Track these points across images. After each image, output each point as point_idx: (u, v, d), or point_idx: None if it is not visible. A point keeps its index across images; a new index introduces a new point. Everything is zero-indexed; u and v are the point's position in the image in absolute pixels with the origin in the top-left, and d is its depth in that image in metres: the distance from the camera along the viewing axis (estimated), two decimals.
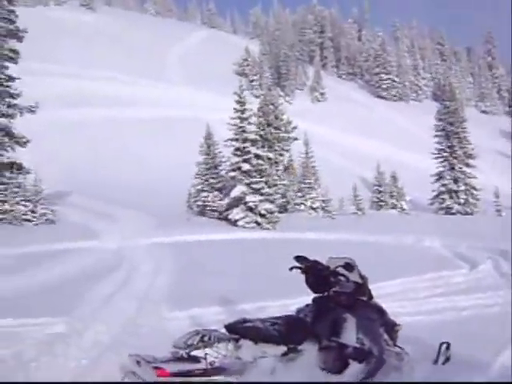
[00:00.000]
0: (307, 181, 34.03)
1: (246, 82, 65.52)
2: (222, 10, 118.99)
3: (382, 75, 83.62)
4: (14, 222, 22.13)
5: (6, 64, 26.23)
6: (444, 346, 5.50)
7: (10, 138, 25.68)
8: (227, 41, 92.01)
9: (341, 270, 5.03)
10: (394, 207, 39.10)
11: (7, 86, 25.91)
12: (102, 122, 48.24)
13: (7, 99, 25.88)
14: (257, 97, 53.83)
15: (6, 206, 22.24)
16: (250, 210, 24.78)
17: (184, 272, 12.76)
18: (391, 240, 19.52)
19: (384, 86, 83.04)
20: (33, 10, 77.27)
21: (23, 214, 22.54)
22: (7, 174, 23.80)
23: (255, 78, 72.06)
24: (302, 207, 32.99)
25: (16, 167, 25.19)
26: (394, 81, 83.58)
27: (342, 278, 4.99)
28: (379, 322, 4.95)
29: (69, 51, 65.92)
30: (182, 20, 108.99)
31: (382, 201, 39.49)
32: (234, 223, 24.74)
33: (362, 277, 5.11)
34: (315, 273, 5.04)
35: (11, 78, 26.17)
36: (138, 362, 4.04)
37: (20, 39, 26.91)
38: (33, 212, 22.91)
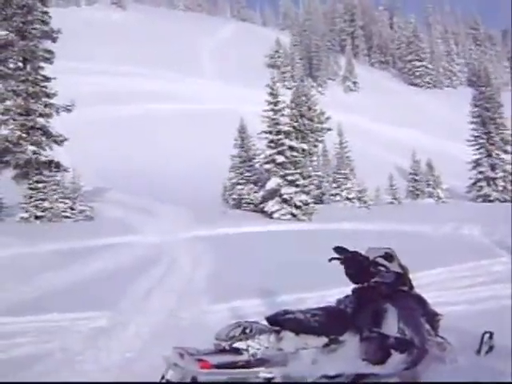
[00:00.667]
0: (342, 171, 33.87)
1: (278, 73, 65.33)
2: (251, 3, 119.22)
3: (415, 62, 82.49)
4: (53, 220, 22.55)
5: (42, 64, 26.73)
6: (487, 335, 5.43)
7: (47, 137, 26.19)
8: (257, 33, 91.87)
9: (381, 261, 5.01)
10: (430, 196, 38.64)
11: (43, 86, 26.39)
12: (137, 118, 48.74)
13: (43, 99, 26.37)
14: (289, 88, 53.79)
15: (46, 204, 22.68)
16: (286, 201, 24.80)
17: (222, 265, 12.85)
18: (429, 229, 19.29)
19: (417, 74, 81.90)
20: (65, 11, 78.46)
21: (62, 211, 22.96)
22: (46, 172, 24.25)
23: (287, 69, 71.86)
24: (338, 198, 32.88)
25: (54, 165, 25.70)
26: (428, 68, 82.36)
27: (382, 269, 4.98)
28: (420, 312, 4.92)
29: (101, 49, 66.78)
30: (211, 14, 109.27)
31: (418, 190, 39.05)
32: (270, 215, 24.79)
33: (402, 267, 5.08)
34: (355, 263, 5.02)
35: (47, 78, 26.66)
36: (181, 355, 4.10)
37: (54, 40, 27.40)
38: (72, 209, 23.33)
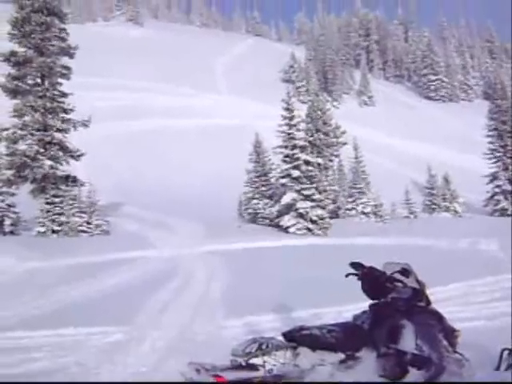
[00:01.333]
0: (358, 185, 33.74)
1: (293, 88, 65.51)
2: (266, 18, 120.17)
3: (431, 76, 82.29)
4: (70, 234, 22.69)
5: (59, 80, 27.09)
6: (506, 352, 5.36)
7: (64, 152, 26.49)
8: (272, 48, 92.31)
9: (397, 276, 4.97)
10: (447, 210, 38.32)
11: (60, 102, 26.76)
12: (152, 133, 49.02)
13: (61, 114, 26.72)
14: (304, 103, 53.88)
15: (62, 218, 22.83)
16: (301, 216, 24.74)
17: (237, 279, 12.83)
18: (446, 244, 19.15)
19: (433, 87, 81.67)
20: (82, 27, 79.42)
21: (79, 226, 23.08)
22: (63, 186, 24.44)
23: (302, 84, 72.00)
24: (353, 212, 32.72)
25: (71, 180, 25.94)
26: (443, 81, 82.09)
27: (398, 284, 4.93)
28: (438, 328, 4.87)
29: (118, 65, 67.42)
30: (227, 30, 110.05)
31: (434, 204, 38.76)
32: (286, 230, 24.74)
33: (419, 282, 5.04)
34: (371, 279, 4.99)
35: (64, 94, 27.02)
36: (197, 370, 4.08)
37: (71, 56, 27.78)
38: (88, 223, 23.44)
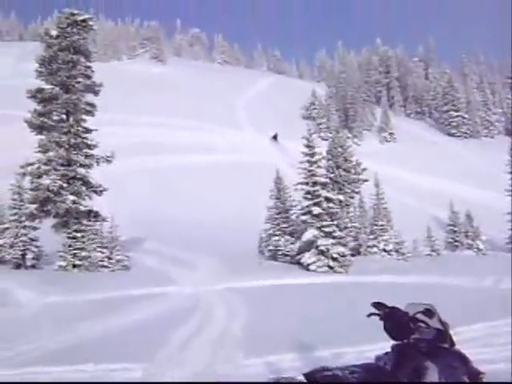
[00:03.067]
0: (379, 223, 33.50)
1: (314, 125, 65.79)
2: (287, 56, 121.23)
3: (452, 112, 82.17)
4: (90, 269, 22.78)
5: (84, 117, 27.57)
6: None
7: (87, 187, 26.77)
8: (293, 85, 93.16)
9: (420, 317, 4.90)
10: (469, 247, 37.82)
11: (84, 138, 27.16)
12: (174, 169, 49.41)
13: (84, 150, 27.10)
14: (325, 140, 54.01)
15: (84, 253, 22.97)
16: (322, 253, 24.58)
17: (258, 317, 12.74)
18: (469, 282, 18.88)
19: (454, 124, 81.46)
20: (107, 65, 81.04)
21: (100, 261, 23.18)
22: (85, 221, 24.64)
23: (323, 120, 72.36)
24: (375, 250, 32.41)
25: (93, 215, 26.14)
26: (464, 117, 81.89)
27: (421, 325, 4.87)
28: (462, 371, 4.77)
29: (141, 101, 68.44)
30: (248, 67, 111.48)
31: (457, 241, 38.30)
32: (306, 267, 24.56)
33: (442, 323, 4.96)
34: (394, 319, 4.93)
35: (88, 130, 27.45)
36: None
37: (96, 93, 28.30)
38: (109, 258, 23.53)
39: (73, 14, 27.66)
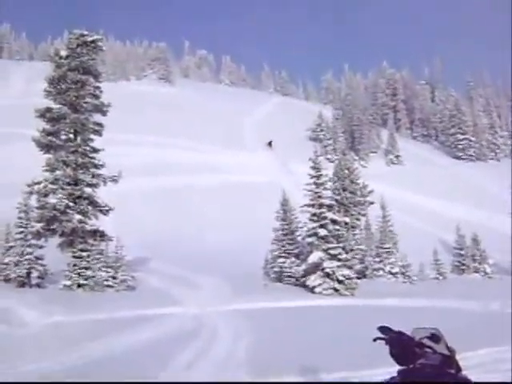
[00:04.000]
0: (385, 245, 33.38)
1: (321, 147, 65.92)
2: (294, 78, 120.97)
3: (458, 135, 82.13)
4: (95, 288, 22.69)
5: (91, 136, 27.75)
6: None
7: (93, 207, 26.85)
8: (300, 107, 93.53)
9: (427, 342, 4.86)
10: (476, 271, 37.59)
11: (92, 157, 27.33)
12: (181, 189, 49.48)
13: (92, 169, 27.23)
14: (331, 161, 54.07)
15: (89, 273, 22.91)
16: (328, 276, 24.45)
17: (263, 340, 12.66)
18: (476, 306, 18.75)
19: (460, 147, 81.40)
20: (115, 85, 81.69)
21: (105, 280, 23.09)
22: (90, 241, 24.64)
23: (329, 142, 72.43)
24: (381, 272, 32.25)
25: (99, 235, 26.16)
26: (471, 140, 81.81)
27: (428, 350, 4.82)
28: None
29: (149, 122, 68.80)
30: (255, 89, 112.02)
31: (463, 264, 38.07)
32: (312, 290, 24.42)
33: (449, 348, 4.92)
34: (400, 344, 4.89)
35: (95, 150, 27.61)
36: None
37: (104, 113, 28.49)
38: (114, 278, 23.43)
39: (83, 35, 27.99)
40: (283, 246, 28.09)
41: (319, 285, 24.34)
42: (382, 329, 5.06)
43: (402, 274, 32.23)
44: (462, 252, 38.39)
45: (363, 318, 14.91)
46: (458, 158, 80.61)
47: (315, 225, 25.48)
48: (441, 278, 34.00)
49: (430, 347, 4.83)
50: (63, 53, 27.76)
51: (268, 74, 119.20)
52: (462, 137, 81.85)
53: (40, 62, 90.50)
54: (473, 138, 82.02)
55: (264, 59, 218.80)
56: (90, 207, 26.52)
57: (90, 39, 28.05)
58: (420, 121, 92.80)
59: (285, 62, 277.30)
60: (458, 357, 5.04)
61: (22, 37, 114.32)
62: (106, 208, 27.36)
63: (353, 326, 14.12)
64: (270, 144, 69.53)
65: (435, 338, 4.85)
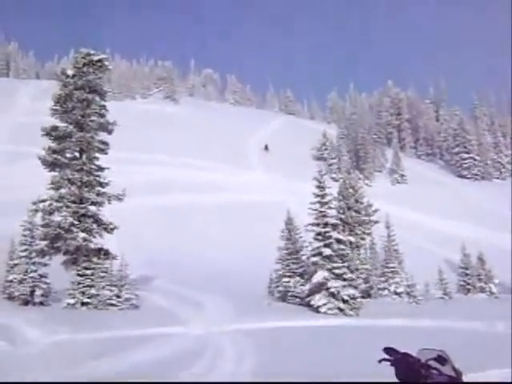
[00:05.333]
0: (390, 265, 33.23)
1: (325, 166, 65.98)
2: (299, 97, 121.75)
3: (463, 154, 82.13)
4: (99, 307, 22.63)
5: (97, 155, 27.82)
6: None
7: (98, 225, 26.84)
8: (305, 126, 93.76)
9: (433, 363, 4.80)
10: (482, 291, 37.36)
11: (97, 176, 27.37)
12: (185, 208, 49.49)
13: (97, 188, 27.28)
14: (336, 180, 54.04)
15: (93, 291, 22.85)
16: (333, 295, 24.31)
17: (267, 360, 12.56)
18: (482, 326, 18.60)
19: (465, 166, 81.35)
20: (121, 104, 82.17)
21: (108, 299, 23.02)
22: (95, 259, 24.60)
23: (334, 161, 72.51)
24: (386, 292, 32.08)
25: (103, 253, 26.12)
26: (475, 159, 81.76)
27: (434, 372, 4.76)
28: None
29: (154, 141, 69.06)
30: (260, 108, 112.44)
31: (469, 284, 37.85)
32: (316, 309, 24.27)
33: (455, 370, 4.86)
34: (406, 366, 4.84)
35: (101, 168, 27.66)
36: None
37: (110, 132, 28.60)
38: (118, 297, 23.36)
39: (89, 54, 28.19)
40: (288, 266, 28.00)
41: (324, 304, 24.20)
42: (388, 350, 5.01)
43: (408, 293, 32.04)
44: (468, 271, 38.19)
45: (368, 338, 14.79)
46: (463, 176, 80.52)
47: (320, 244, 25.41)
48: (446, 297, 33.79)
49: (436, 369, 4.76)
50: (70, 71, 27.95)
51: (273, 93, 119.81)
52: (466, 156, 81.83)
53: (46, 81, 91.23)
54: (477, 157, 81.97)
55: (269, 78, 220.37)
56: (94, 225, 26.53)
57: (96, 58, 28.25)
58: (424, 140, 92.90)
59: (290, 81, 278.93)
60: (464, 378, 4.98)
61: (29, 55, 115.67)
62: (111, 226, 27.34)
63: (358, 346, 14.00)
64: (266, 147, 74.09)
65: (441, 359, 4.80)
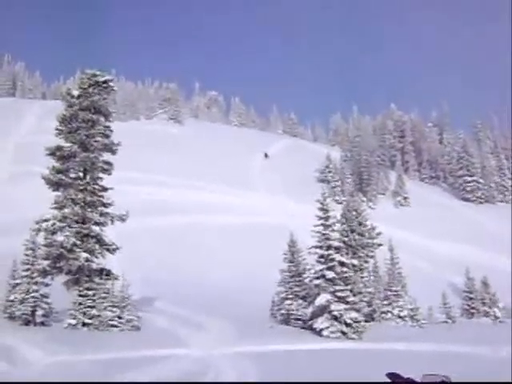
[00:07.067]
0: (394, 288, 33.03)
1: (328, 188, 65.92)
2: (302, 119, 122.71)
3: (466, 177, 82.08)
4: (100, 328, 22.50)
5: (100, 175, 27.88)
6: None
7: (100, 245, 26.80)
8: (308, 149, 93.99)
9: None
10: (486, 315, 37.04)
11: (100, 196, 27.40)
12: (187, 229, 49.43)
13: (100, 208, 27.29)
14: (339, 203, 54.02)
15: (94, 311, 22.75)
16: (335, 318, 24.13)
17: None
18: (486, 351, 18.42)
19: (469, 189, 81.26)
20: (126, 124, 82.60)
21: (110, 320, 22.89)
22: (96, 279, 24.52)
23: (337, 184, 72.49)
24: (389, 316, 31.83)
25: (105, 273, 26.03)
26: (479, 182, 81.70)
27: None
28: None
29: (158, 161, 69.28)
30: (264, 130, 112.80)
31: (473, 308, 37.56)
32: (319, 333, 24.06)
33: None
34: None
35: (104, 188, 27.70)
36: None
37: (114, 152, 28.65)
38: (119, 318, 23.22)
39: (95, 75, 28.40)
40: (290, 288, 27.85)
41: (327, 328, 24.01)
42: (391, 375, 4.96)
43: (411, 317, 31.81)
44: (472, 295, 37.92)
45: (371, 362, 14.63)
46: (467, 200, 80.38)
47: (323, 267, 25.29)
48: (450, 321, 33.53)
49: None
50: (75, 92, 28.13)
51: (277, 116, 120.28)
52: (470, 179, 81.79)
53: (52, 101, 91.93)
54: (481, 180, 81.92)
55: (273, 101, 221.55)
56: (97, 246, 26.49)
57: (101, 79, 28.45)
58: (428, 163, 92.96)
59: (293, 103, 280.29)
60: None
61: (36, 75, 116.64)
62: (113, 247, 27.32)
63: (361, 370, 13.85)
64: (266, 155, 79.13)
65: None
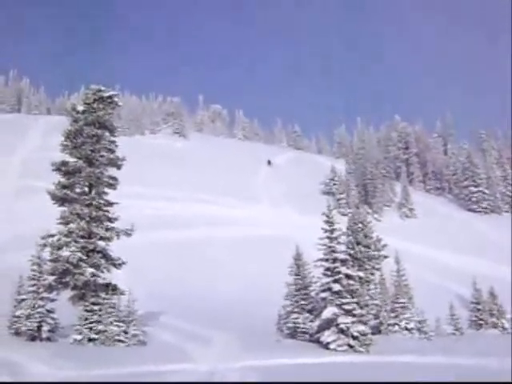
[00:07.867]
0: (400, 300, 32.86)
1: (334, 201, 65.89)
2: (307, 132, 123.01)
3: (472, 188, 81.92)
4: (106, 343, 22.43)
5: (106, 190, 27.98)
6: None
7: (106, 260, 26.86)
8: (313, 161, 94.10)
9: None
10: (494, 326, 36.79)
11: (106, 211, 27.48)
12: (193, 242, 49.37)
13: (105, 223, 27.37)
14: (345, 215, 53.94)
15: (100, 327, 22.70)
16: (342, 332, 23.98)
17: None
18: (494, 363, 18.23)
19: (474, 199, 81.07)
20: (130, 139, 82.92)
21: (116, 335, 22.82)
22: (102, 294, 24.49)
23: (342, 196, 72.38)
24: (396, 328, 31.65)
25: (111, 288, 26.03)
26: (484, 193, 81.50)
27: None
28: None
29: (162, 176, 69.43)
30: (268, 143, 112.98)
31: (481, 319, 37.29)
32: (326, 346, 23.91)
33: None
34: None
35: (110, 203, 27.80)
36: None
37: (119, 167, 28.77)
38: (125, 333, 23.15)
39: (99, 90, 28.57)
40: (296, 302, 27.74)
41: (333, 341, 23.85)
42: None
43: (418, 329, 31.62)
44: (479, 306, 37.68)
45: (379, 375, 14.49)
46: (472, 210, 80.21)
47: (329, 279, 25.18)
48: (458, 333, 33.30)
49: None
50: (80, 107, 28.30)
51: (281, 129, 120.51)
52: (475, 189, 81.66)
53: (57, 116, 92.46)
54: (486, 191, 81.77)
55: (277, 113, 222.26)
56: (102, 260, 26.54)
57: (106, 94, 28.61)
58: (433, 174, 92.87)
59: (297, 116, 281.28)
60: None
61: (41, 91, 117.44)
62: (119, 262, 27.38)
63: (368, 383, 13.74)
64: (269, 163, 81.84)
65: None
